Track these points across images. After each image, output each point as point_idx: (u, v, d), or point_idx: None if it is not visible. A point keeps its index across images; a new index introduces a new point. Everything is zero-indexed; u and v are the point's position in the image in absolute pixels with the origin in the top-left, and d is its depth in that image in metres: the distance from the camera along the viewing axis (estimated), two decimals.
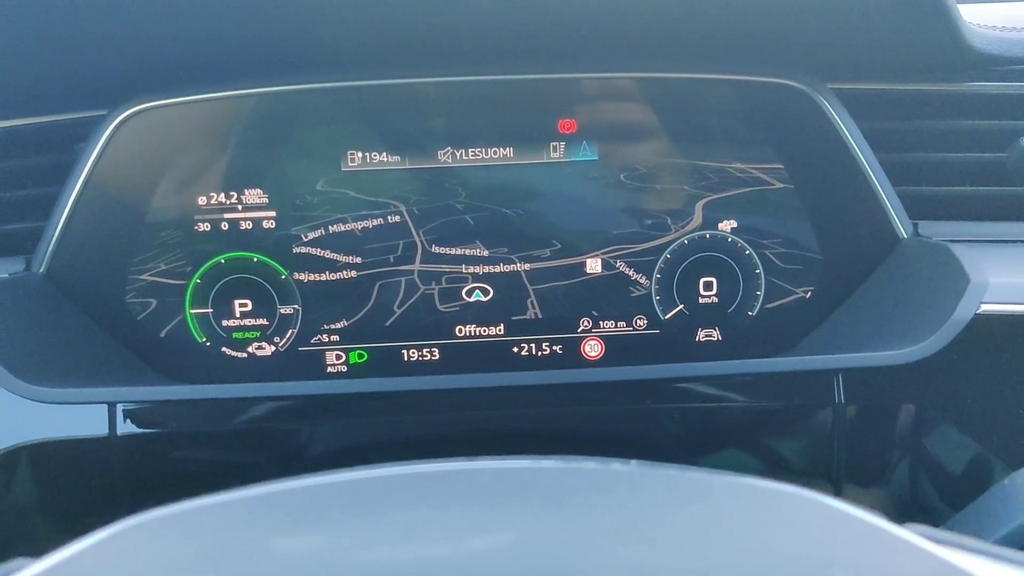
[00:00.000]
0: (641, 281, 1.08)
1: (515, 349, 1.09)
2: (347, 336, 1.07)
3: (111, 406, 0.96)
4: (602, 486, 0.44)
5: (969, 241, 1.02)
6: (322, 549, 0.40)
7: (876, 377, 1.00)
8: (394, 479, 0.45)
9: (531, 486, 0.44)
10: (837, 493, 1.01)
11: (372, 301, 1.07)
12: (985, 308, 0.92)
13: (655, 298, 1.09)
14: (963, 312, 0.91)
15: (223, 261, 1.05)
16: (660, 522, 0.41)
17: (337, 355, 1.08)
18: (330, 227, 1.05)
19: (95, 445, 0.96)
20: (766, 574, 0.37)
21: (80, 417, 0.96)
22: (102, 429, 0.96)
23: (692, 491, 0.45)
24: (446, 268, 1.07)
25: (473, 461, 0.46)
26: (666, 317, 1.09)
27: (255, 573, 0.39)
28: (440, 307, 1.08)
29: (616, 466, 0.45)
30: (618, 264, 1.08)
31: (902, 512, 1.01)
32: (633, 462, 0.47)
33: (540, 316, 1.08)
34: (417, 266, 1.07)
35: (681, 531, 0.40)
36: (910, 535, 0.42)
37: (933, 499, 1.01)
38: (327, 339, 1.07)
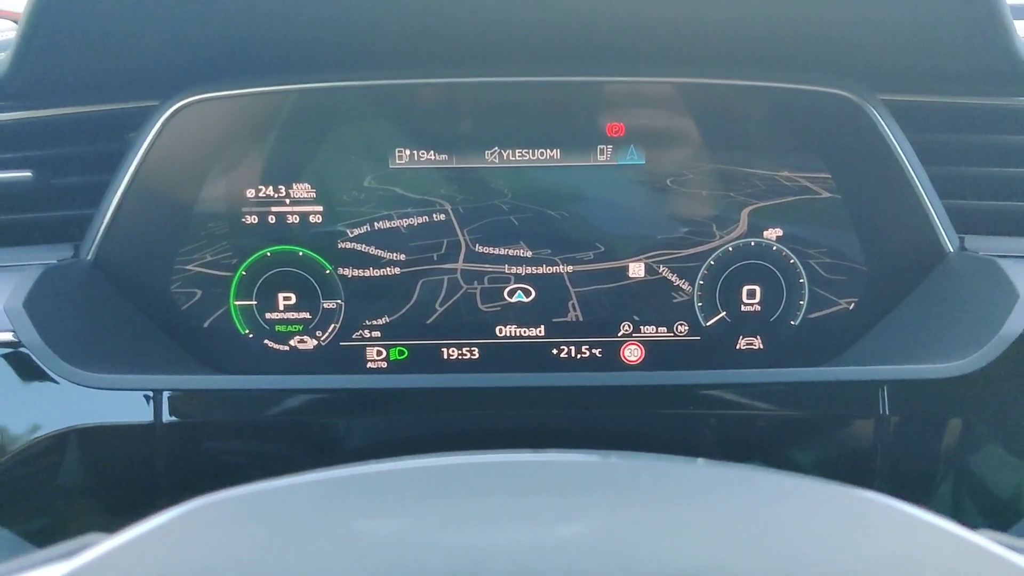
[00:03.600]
0: (683, 287, 1.08)
1: (555, 351, 1.09)
2: (388, 332, 1.08)
3: (157, 393, 0.96)
4: (678, 483, 0.44)
5: (1017, 257, 1.01)
6: (404, 532, 0.40)
7: (922, 390, 0.99)
8: (468, 468, 0.45)
9: (610, 480, 0.44)
10: None
11: (414, 298, 1.07)
12: None
13: (697, 304, 1.08)
14: (1012, 327, 0.90)
15: (269, 254, 1.06)
16: (743, 524, 0.41)
17: (378, 351, 1.08)
18: (375, 223, 1.06)
19: (140, 431, 0.96)
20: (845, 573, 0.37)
21: (126, 403, 0.97)
22: (146, 416, 0.96)
23: (773, 493, 0.45)
24: (489, 268, 1.07)
25: (549, 453, 0.46)
26: (707, 324, 1.09)
27: (330, 554, 0.39)
28: (481, 306, 1.08)
29: (688, 464, 0.45)
30: (661, 269, 1.07)
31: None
32: (700, 460, 0.47)
33: (581, 319, 1.08)
34: (460, 265, 1.07)
35: (765, 533, 0.40)
36: (986, 541, 0.42)
37: (975, 518, 1.00)
38: (368, 335, 1.08)
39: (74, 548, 0.43)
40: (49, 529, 0.95)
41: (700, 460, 0.47)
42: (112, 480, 0.98)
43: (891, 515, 0.43)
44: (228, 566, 0.39)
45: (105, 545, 0.43)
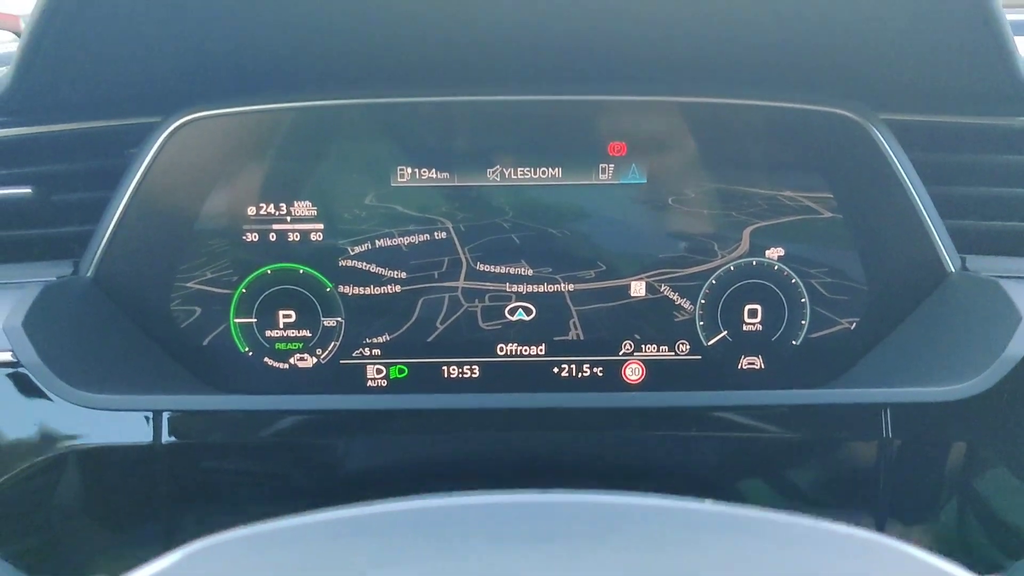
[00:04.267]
0: (685, 306, 1.08)
1: (555, 370, 1.09)
2: (389, 351, 1.07)
3: (156, 414, 0.96)
4: (688, 528, 0.43)
5: (1019, 278, 1.01)
6: None
7: (925, 413, 0.99)
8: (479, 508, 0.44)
9: (618, 526, 0.43)
10: (880, 530, 1.00)
11: (415, 316, 1.07)
12: None
13: (698, 323, 1.08)
14: (1015, 349, 0.89)
15: (269, 272, 1.05)
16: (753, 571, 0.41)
17: (378, 369, 1.08)
18: (377, 241, 1.05)
19: (139, 452, 0.96)
20: None
21: (125, 424, 0.96)
22: (146, 436, 0.96)
23: (793, 541, 0.44)
24: (490, 286, 1.07)
25: (555, 493, 0.46)
26: (709, 343, 1.09)
27: None
28: (482, 325, 1.07)
29: (696, 506, 0.45)
30: (662, 288, 1.07)
31: (948, 551, 1.00)
32: (707, 501, 0.46)
33: (582, 337, 1.08)
34: (461, 283, 1.06)
35: None
36: None
37: (983, 542, 0.99)
38: (369, 353, 1.07)
39: None
40: (45, 550, 0.94)
41: (708, 501, 0.46)
42: (111, 501, 0.97)
43: (906, 562, 0.43)
44: None
45: None
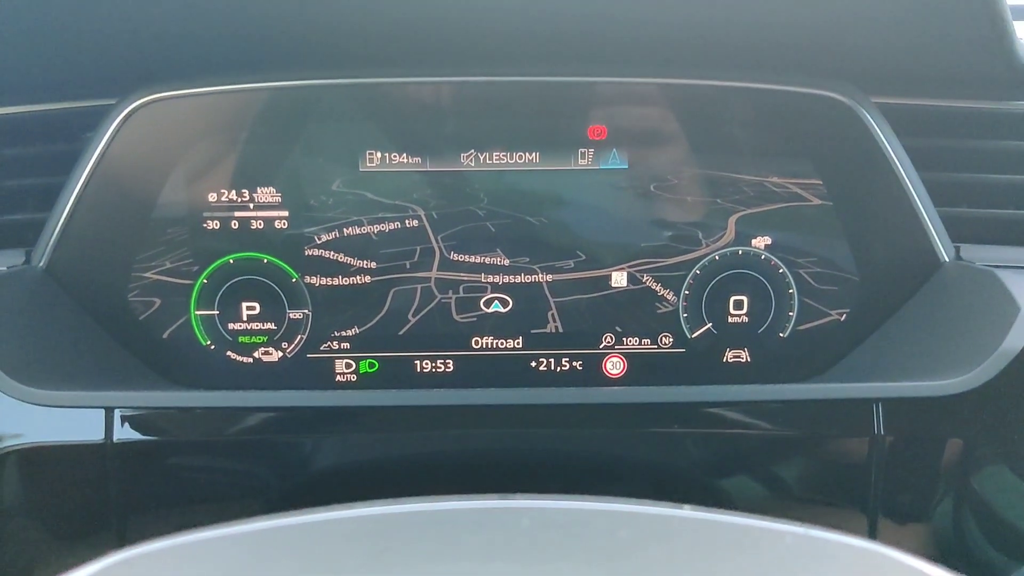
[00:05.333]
0: (668, 297, 1.03)
1: (533, 364, 1.04)
2: (358, 344, 1.03)
3: (108, 410, 0.91)
4: (675, 535, 0.39)
5: (1015, 267, 0.97)
6: None
7: (918, 408, 0.95)
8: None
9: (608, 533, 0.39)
10: (872, 529, 0.96)
11: (386, 308, 1.02)
12: None
13: (682, 315, 1.04)
14: (1013, 342, 0.86)
15: (232, 261, 1.00)
16: None
17: (347, 363, 1.03)
18: (345, 229, 1.00)
19: (90, 451, 0.91)
20: None
21: (75, 421, 0.91)
22: (98, 434, 0.91)
23: (776, 549, 0.40)
24: (464, 276, 1.02)
25: (540, 499, 0.41)
26: (693, 336, 1.04)
27: None
28: (457, 317, 1.03)
29: (682, 512, 0.40)
30: (644, 278, 1.03)
31: (944, 554, 0.96)
32: (686, 506, 0.42)
33: (561, 330, 1.03)
34: (434, 273, 1.02)
35: None
36: None
37: (979, 542, 0.95)
38: (337, 346, 1.03)
39: None
40: None
41: (687, 507, 0.42)
42: (58, 504, 0.92)
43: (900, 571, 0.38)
44: None
45: None
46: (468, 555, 0.40)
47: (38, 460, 0.90)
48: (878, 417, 0.95)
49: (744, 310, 1.04)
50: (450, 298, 1.02)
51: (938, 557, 0.94)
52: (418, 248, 1.01)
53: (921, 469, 0.97)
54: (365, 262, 1.01)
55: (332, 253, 1.01)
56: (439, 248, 1.01)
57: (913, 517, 0.98)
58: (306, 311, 1.02)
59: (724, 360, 1.05)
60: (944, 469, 0.96)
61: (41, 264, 0.96)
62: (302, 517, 0.44)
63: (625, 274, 1.03)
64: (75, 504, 0.92)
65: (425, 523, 0.42)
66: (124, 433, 0.92)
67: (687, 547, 0.39)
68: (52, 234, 0.96)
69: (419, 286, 1.02)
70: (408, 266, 1.02)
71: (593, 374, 1.04)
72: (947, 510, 0.97)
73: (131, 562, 0.40)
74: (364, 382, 1.03)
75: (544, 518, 0.40)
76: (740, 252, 1.03)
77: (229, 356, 1.02)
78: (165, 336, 1.01)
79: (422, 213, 1.01)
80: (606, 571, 0.37)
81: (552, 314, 1.03)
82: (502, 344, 1.04)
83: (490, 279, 1.02)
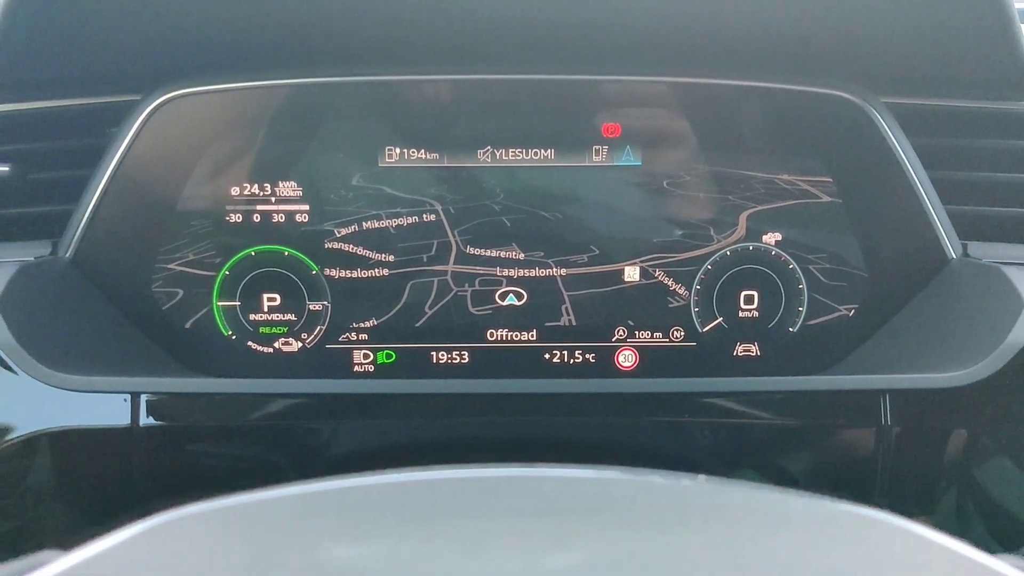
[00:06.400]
0: (680, 291, 1.05)
1: (547, 356, 1.06)
2: (376, 335, 1.05)
3: (134, 396, 0.93)
4: (678, 504, 0.41)
5: (1021, 264, 0.99)
6: (380, 559, 0.37)
7: (925, 401, 0.97)
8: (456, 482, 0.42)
9: (607, 501, 0.41)
10: None
11: (403, 301, 1.04)
12: None
13: (694, 310, 1.05)
14: (1018, 336, 0.87)
15: (253, 254, 1.03)
16: (750, 547, 0.38)
17: (365, 354, 1.05)
18: (364, 223, 1.02)
19: (117, 435, 0.93)
20: None
21: (102, 406, 0.93)
22: (123, 419, 0.93)
23: (782, 514, 0.42)
24: (480, 270, 1.04)
25: (541, 468, 0.43)
26: (704, 330, 1.06)
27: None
28: (472, 310, 1.05)
29: (689, 482, 0.42)
30: (657, 273, 1.05)
31: None
32: (701, 476, 0.44)
33: (574, 323, 1.05)
34: (451, 267, 1.04)
35: (773, 558, 0.37)
36: (1007, 567, 0.39)
37: (982, 532, 0.97)
38: (355, 338, 1.05)
39: (24, 567, 0.40)
40: (17, 536, 0.91)
41: (701, 476, 0.44)
42: (86, 486, 0.94)
43: (907, 539, 0.40)
44: None
45: (58, 564, 0.39)
46: (488, 518, 0.41)
47: (67, 443, 0.92)
48: (885, 409, 0.97)
49: (754, 305, 1.06)
50: (466, 291, 1.04)
51: None
52: (435, 242, 1.03)
53: (927, 460, 0.98)
54: (383, 255, 1.03)
55: (351, 246, 1.03)
56: (456, 242, 1.04)
57: (918, 506, 0.99)
58: (325, 303, 1.04)
59: (734, 354, 1.07)
60: (949, 460, 0.97)
61: (67, 255, 0.98)
62: (313, 486, 0.45)
63: (638, 269, 1.04)
64: (101, 486, 0.95)
65: (446, 491, 0.44)
66: (149, 418, 0.94)
67: (704, 512, 0.40)
68: (78, 226, 0.98)
69: (436, 279, 1.04)
70: (425, 260, 1.04)
71: (605, 366, 1.06)
72: (951, 500, 0.98)
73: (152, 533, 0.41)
74: (381, 372, 1.05)
75: (564, 486, 0.42)
76: (751, 248, 1.04)
77: (250, 346, 1.04)
78: (188, 326, 1.03)
79: (439, 208, 1.03)
80: (625, 532, 0.38)
81: (566, 307, 1.05)
82: (516, 336, 1.06)
83: (505, 273, 1.04)
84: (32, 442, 0.90)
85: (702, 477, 0.44)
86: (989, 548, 0.94)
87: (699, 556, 0.37)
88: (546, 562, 0.35)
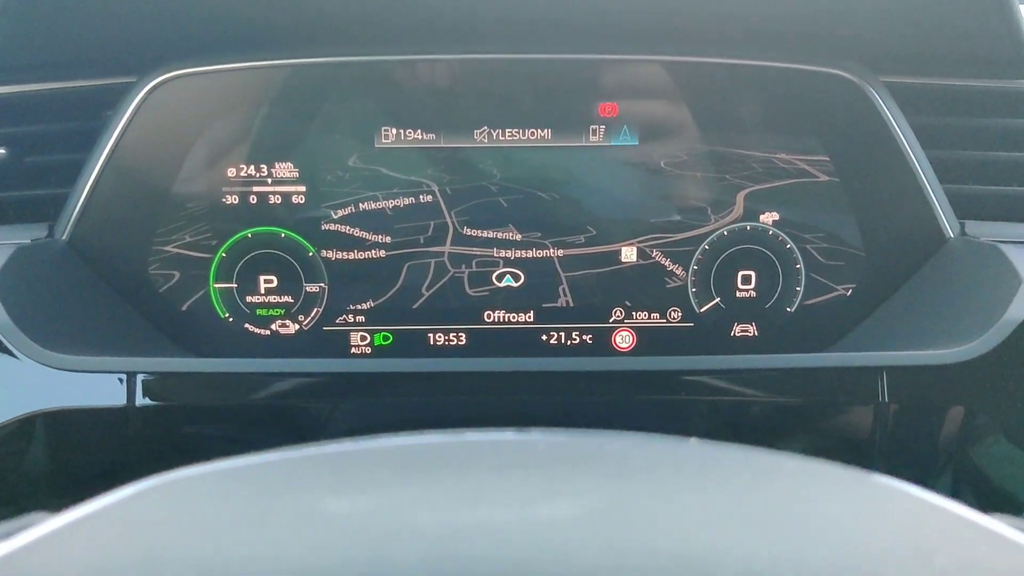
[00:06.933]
0: (677, 272, 1.05)
1: (544, 337, 1.06)
2: (373, 317, 1.05)
3: (130, 376, 0.93)
4: (674, 463, 0.41)
5: (1019, 242, 0.99)
6: (372, 511, 0.37)
7: (922, 377, 0.97)
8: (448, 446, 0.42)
9: (598, 459, 0.41)
10: None
11: (400, 282, 1.04)
12: None
13: (691, 290, 1.05)
14: (1016, 313, 0.87)
15: (250, 235, 1.03)
16: (743, 506, 0.38)
17: (362, 336, 1.05)
18: (360, 205, 1.02)
19: (113, 415, 0.93)
20: (854, 563, 0.34)
21: (99, 386, 0.93)
22: (120, 399, 0.93)
23: (775, 474, 0.42)
24: (477, 251, 1.04)
25: (533, 432, 0.43)
26: (701, 310, 1.06)
27: (294, 535, 0.36)
28: (469, 291, 1.05)
29: (685, 444, 0.42)
30: (654, 253, 1.04)
31: None
32: (694, 440, 0.44)
33: (571, 304, 1.05)
34: (448, 248, 1.04)
35: (765, 517, 0.37)
36: (1002, 526, 0.39)
37: (978, 508, 0.97)
38: (352, 319, 1.05)
39: (13, 528, 0.40)
40: (12, 516, 0.91)
41: (694, 439, 0.44)
42: (82, 465, 0.94)
43: (900, 498, 0.40)
44: (179, 549, 0.36)
45: (47, 525, 0.39)
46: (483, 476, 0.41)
47: (63, 423, 0.92)
48: (883, 386, 0.96)
49: (752, 285, 1.06)
50: (463, 272, 1.04)
51: None
52: (432, 223, 1.03)
53: (924, 436, 0.98)
54: (380, 237, 1.03)
55: (348, 228, 1.03)
56: (452, 223, 1.03)
57: (915, 481, 0.99)
58: (322, 284, 1.04)
59: (732, 334, 1.06)
60: (947, 436, 0.97)
61: (64, 237, 0.98)
62: (302, 450, 0.45)
63: (635, 249, 1.04)
64: (99, 466, 0.95)
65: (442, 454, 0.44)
66: (145, 399, 0.94)
67: (694, 471, 0.41)
68: (74, 208, 0.98)
69: (433, 260, 1.04)
70: (422, 241, 1.03)
71: (603, 347, 1.06)
72: (948, 474, 0.98)
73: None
74: (378, 354, 1.05)
75: (557, 448, 0.42)
76: (748, 228, 1.04)
77: (247, 328, 1.04)
78: (184, 308, 1.03)
79: (436, 189, 1.02)
80: (614, 488, 0.38)
81: (563, 288, 1.05)
82: (514, 318, 1.05)
83: (502, 254, 1.04)
84: (28, 422, 0.90)
85: (694, 440, 0.44)
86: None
87: (688, 509, 0.37)
88: (537, 511, 0.35)
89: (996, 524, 0.40)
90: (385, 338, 1.05)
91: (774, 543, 0.35)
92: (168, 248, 1.02)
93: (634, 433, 0.44)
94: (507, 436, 0.43)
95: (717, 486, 0.40)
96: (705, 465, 0.42)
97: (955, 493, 0.98)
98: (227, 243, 1.02)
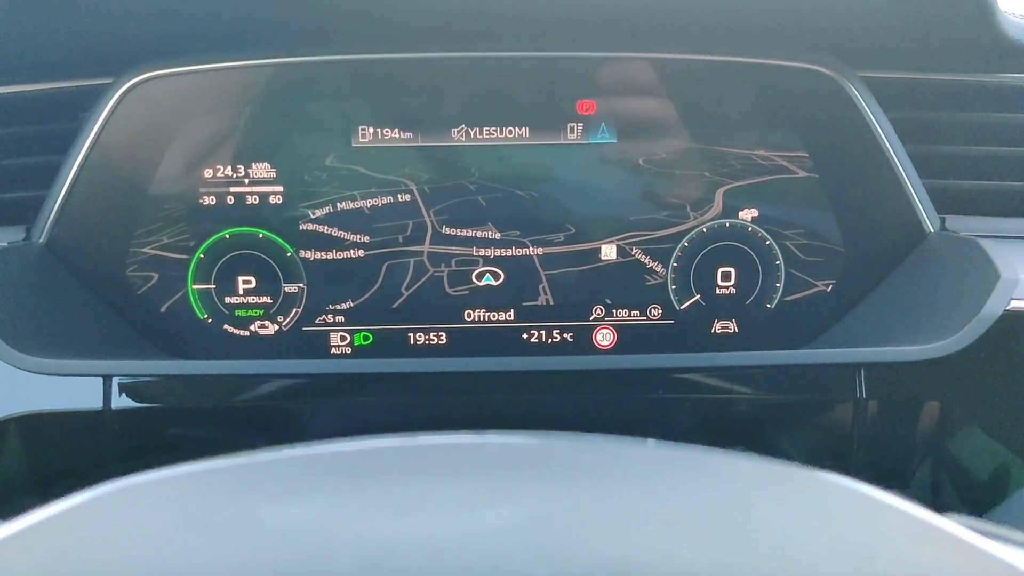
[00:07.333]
0: (657, 269, 1.05)
1: (525, 336, 1.06)
2: (353, 317, 1.04)
3: (106, 379, 0.93)
4: (621, 465, 0.41)
5: (998, 237, 0.99)
6: (313, 519, 0.37)
7: (900, 373, 0.97)
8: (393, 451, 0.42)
9: (549, 462, 0.41)
10: None
11: (379, 282, 1.04)
12: (1015, 305, 0.88)
13: (671, 287, 1.05)
14: (992, 308, 0.87)
15: (227, 236, 1.02)
16: (694, 507, 0.38)
17: (342, 336, 1.05)
18: (338, 204, 1.02)
19: (89, 418, 0.93)
20: (802, 563, 0.34)
21: (75, 390, 0.93)
22: (95, 402, 0.93)
23: (725, 474, 0.41)
24: (456, 250, 1.04)
25: (493, 435, 0.43)
26: (681, 307, 1.06)
27: (238, 540, 0.36)
28: (449, 290, 1.04)
29: (636, 445, 0.42)
30: (634, 251, 1.04)
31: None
32: (650, 441, 0.43)
33: (552, 302, 1.05)
34: (427, 247, 1.03)
35: (715, 516, 0.37)
36: (953, 525, 0.39)
37: (953, 502, 0.97)
38: (332, 320, 1.04)
39: None
40: None
41: (651, 441, 0.44)
42: (57, 469, 0.94)
43: (846, 496, 0.40)
44: (122, 558, 0.36)
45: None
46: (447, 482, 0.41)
47: (38, 427, 0.92)
48: (860, 382, 0.96)
49: (732, 282, 1.05)
50: (442, 271, 1.04)
51: None
52: (410, 222, 1.03)
53: (902, 432, 0.98)
54: (359, 236, 1.03)
55: (326, 228, 1.03)
56: (431, 222, 1.03)
57: (893, 475, 0.99)
58: (301, 285, 1.04)
59: (712, 331, 1.06)
60: (924, 432, 0.97)
61: (41, 240, 0.97)
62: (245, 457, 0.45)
63: (614, 247, 1.04)
64: (74, 470, 0.94)
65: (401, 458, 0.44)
66: (122, 401, 0.94)
67: (648, 473, 0.40)
68: (51, 211, 0.97)
69: (412, 260, 1.04)
70: (401, 240, 1.03)
71: (584, 345, 1.06)
72: (925, 468, 0.98)
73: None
74: (359, 354, 1.05)
75: (504, 452, 0.42)
76: (727, 224, 1.04)
77: (226, 329, 1.04)
78: (163, 310, 1.03)
79: (414, 188, 1.02)
80: (568, 491, 0.38)
81: (543, 287, 1.05)
82: (494, 317, 1.05)
83: (482, 252, 1.04)
84: (3, 426, 0.90)
85: (651, 441, 0.43)
86: (960, 513, 0.94)
87: (630, 513, 0.37)
88: (479, 520, 0.35)
89: (945, 523, 0.39)
90: (365, 338, 1.05)
91: (715, 545, 0.35)
92: (146, 250, 1.02)
93: (588, 435, 0.44)
94: (452, 440, 0.43)
95: (663, 488, 0.39)
96: (653, 467, 0.41)
97: (933, 487, 0.98)
98: (205, 244, 1.02)
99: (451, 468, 0.41)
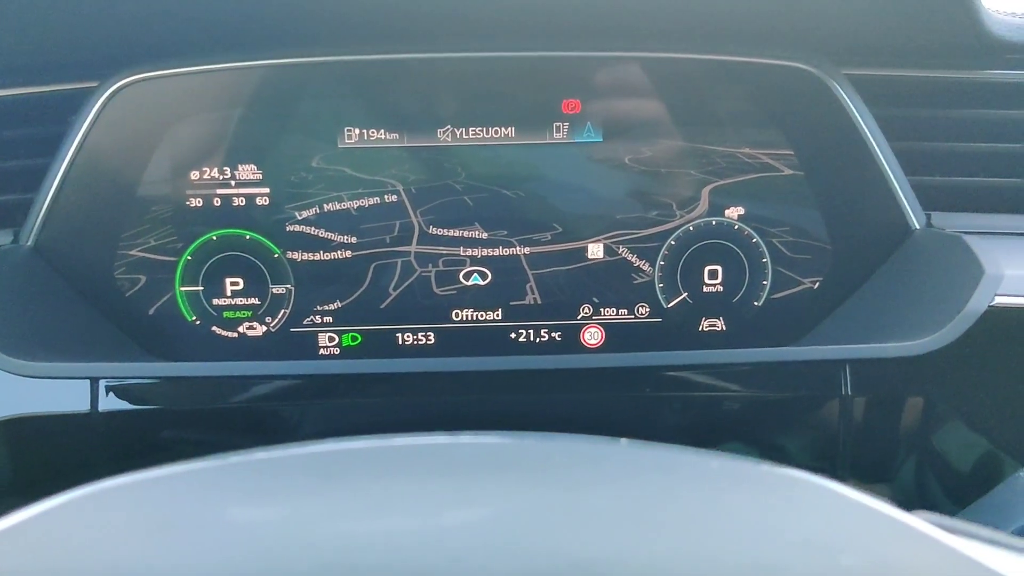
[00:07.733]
0: (644, 268, 1.05)
1: (513, 335, 1.06)
2: (341, 318, 1.05)
3: (94, 382, 0.93)
4: (595, 464, 0.41)
5: (983, 233, 0.99)
6: (287, 521, 0.37)
7: (885, 369, 0.97)
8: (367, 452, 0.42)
9: (522, 463, 0.41)
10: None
11: (367, 283, 1.04)
12: (999, 300, 0.89)
13: (658, 286, 1.05)
14: (977, 304, 0.87)
15: (215, 238, 1.02)
16: (660, 504, 0.38)
17: (330, 337, 1.05)
18: (325, 205, 1.02)
19: (76, 421, 0.93)
20: (768, 559, 0.34)
21: (62, 392, 0.93)
22: (83, 405, 0.93)
23: (694, 472, 0.42)
24: (444, 250, 1.04)
25: (464, 435, 0.43)
26: (669, 305, 1.06)
27: (213, 542, 0.36)
28: (437, 290, 1.05)
29: (609, 444, 0.42)
30: (621, 250, 1.04)
31: (907, 508, 0.98)
32: (623, 440, 0.44)
33: (539, 301, 1.05)
34: (414, 247, 1.04)
35: (681, 513, 0.37)
36: (919, 523, 0.39)
37: (939, 496, 0.97)
38: (320, 320, 1.05)
39: None
40: None
41: (624, 440, 0.44)
42: (45, 473, 0.94)
43: (811, 492, 0.40)
44: (87, 563, 0.36)
45: None
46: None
47: (25, 430, 0.92)
48: (846, 379, 0.97)
49: (719, 280, 1.06)
50: (430, 272, 1.04)
51: (901, 507, 0.96)
52: (397, 223, 1.03)
53: (887, 428, 0.99)
54: (346, 237, 1.03)
55: (313, 229, 1.03)
56: (418, 223, 1.03)
57: (879, 472, 1.00)
58: (289, 286, 1.04)
59: (700, 329, 1.06)
60: (909, 428, 0.98)
61: (29, 243, 0.98)
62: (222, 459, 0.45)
63: (601, 246, 1.04)
64: (61, 473, 0.95)
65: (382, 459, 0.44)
66: (109, 403, 0.94)
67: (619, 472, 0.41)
68: (39, 214, 0.97)
69: (399, 260, 1.04)
70: (388, 241, 1.03)
71: (572, 344, 1.06)
72: (910, 464, 0.98)
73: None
74: (347, 355, 1.05)
75: (476, 452, 0.42)
76: (714, 223, 1.04)
77: (214, 331, 1.04)
78: (151, 312, 1.03)
79: (401, 188, 1.02)
80: (540, 490, 0.39)
81: (530, 286, 1.05)
82: (482, 316, 1.05)
83: (469, 252, 1.04)
84: None
85: (624, 441, 0.44)
86: (946, 510, 0.95)
87: (597, 512, 0.37)
88: (446, 519, 0.35)
89: (914, 520, 0.40)
90: (353, 339, 1.05)
91: (681, 543, 0.35)
92: (133, 252, 1.02)
93: (560, 435, 0.44)
94: (424, 440, 0.43)
95: (632, 487, 0.40)
96: (624, 466, 0.42)
97: (918, 481, 0.98)
98: (192, 246, 1.02)
99: (419, 468, 0.42)
